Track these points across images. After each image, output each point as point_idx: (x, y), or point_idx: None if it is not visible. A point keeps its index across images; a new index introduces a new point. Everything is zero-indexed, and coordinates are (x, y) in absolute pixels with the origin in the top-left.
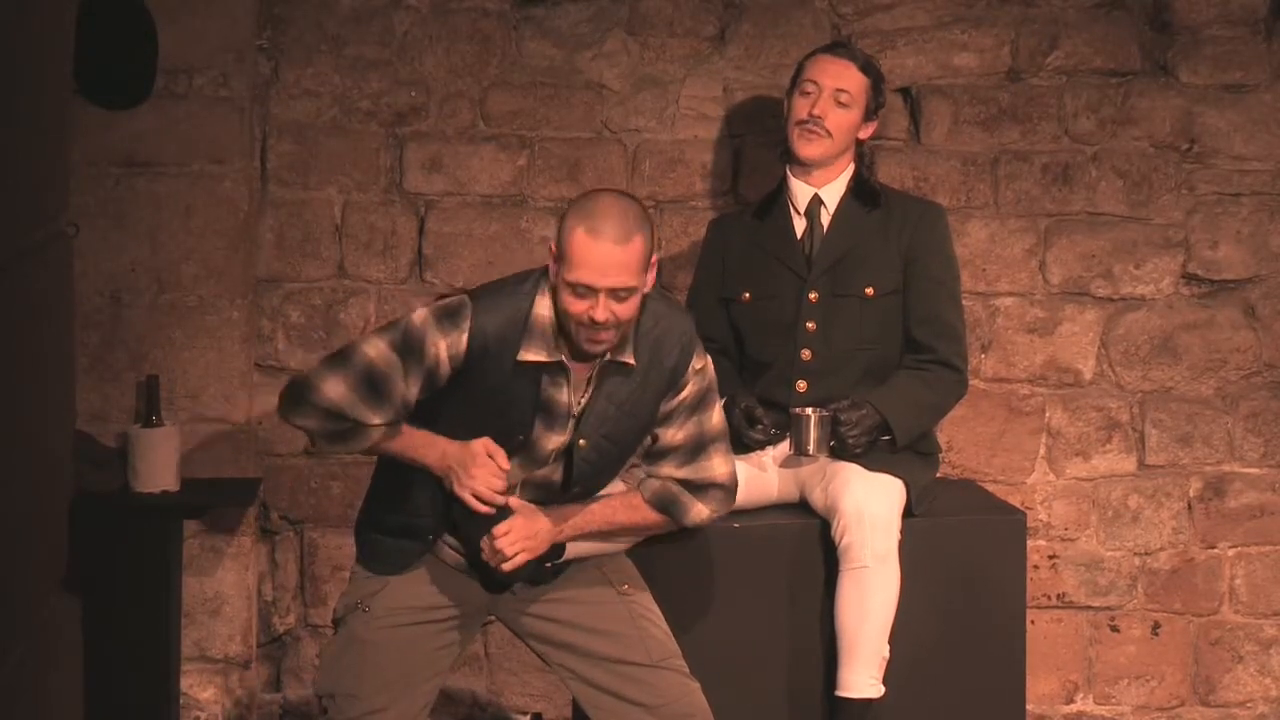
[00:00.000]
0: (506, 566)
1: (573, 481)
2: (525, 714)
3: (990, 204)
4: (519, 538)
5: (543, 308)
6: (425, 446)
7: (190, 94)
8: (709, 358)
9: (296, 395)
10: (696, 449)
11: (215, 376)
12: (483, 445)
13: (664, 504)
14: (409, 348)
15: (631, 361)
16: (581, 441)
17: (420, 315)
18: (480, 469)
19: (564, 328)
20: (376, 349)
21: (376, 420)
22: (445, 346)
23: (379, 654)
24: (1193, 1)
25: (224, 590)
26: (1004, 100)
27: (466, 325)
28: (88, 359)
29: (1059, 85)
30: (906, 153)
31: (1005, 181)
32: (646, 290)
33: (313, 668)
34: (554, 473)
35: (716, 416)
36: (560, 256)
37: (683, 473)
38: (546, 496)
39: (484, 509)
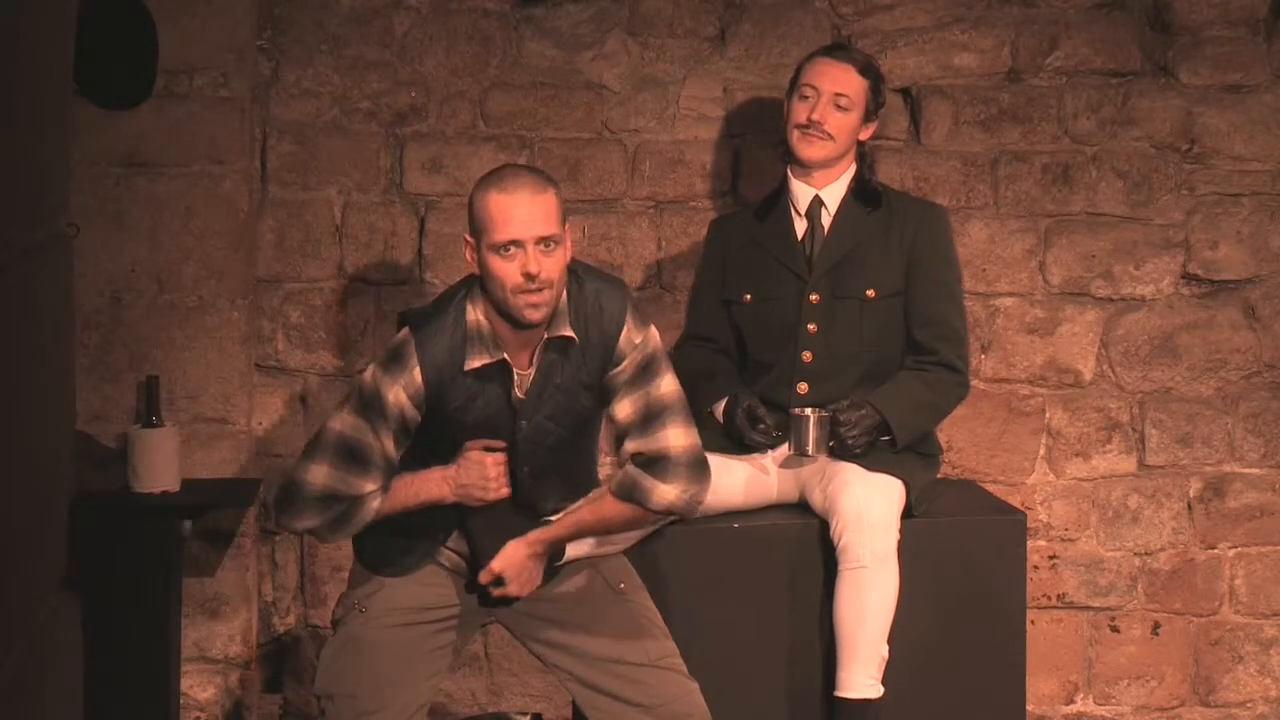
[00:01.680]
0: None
1: (520, 462)
2: (525, 714)
3: (990, 204)
4: (513, 579)
5: (475, 314)
6: (421, 485)
7: (190, 94)
8: (651, 329)
9: (286, 498)
10: (648, 419)
11: (215, 377)
12: (476, 453)
13: (626, 491)
14: (369, 407)
15: (571, 334)
16: (523, 422)
17: (369, 373)
18: (491, 474)
19: (500, 309)
20: (341, 421)
21: (370, 487)
22: (402, 390)
23: (377, 654)
24: (1193, 2)
25: (224, 590)
26: (1004, 100)
27: (414, 360)
28: (88, 359)
29: (1059, 85)
30: (906, 153)
31: (1005, 182)
32: (568, 254)
33: (313, 668)
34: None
35: (666, 387)
36: (479, 230)
37: (636, 445)
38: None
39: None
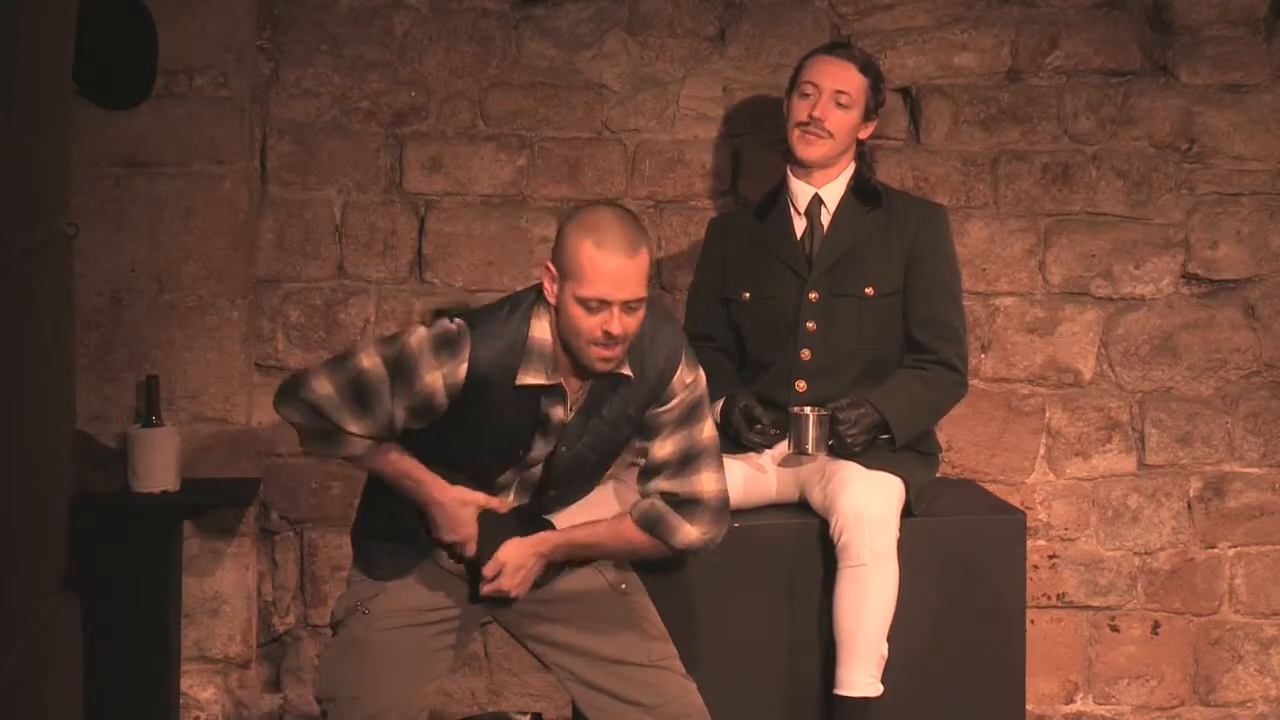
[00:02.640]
0: (505, 593)
1: (551, 484)
2: (525, 714)
3: (990, 204)
4: (511, 574)
5: (539, 330)
6: (414, 484)
7: (190, 94)
8: (700, 371)
9: (289, 388)
10: (685, 461)
11: (215, 376)
12: (469, 517)
13: (650, 523)
14: (401, 370)
15: (629, 374)
16: (563, 449)
17: (418, 339)
18: (461, 536)
19: (568, 347)
20: (371, 360)
21: (354, 429)
22: (441, 377)
23: (379, 656)
24: (1193, 1)
25: (224, 590)
26: (1004, 100)
27: (465, 355)
28: (88, 359)
29: (1059, 85)
30: (906, 153)
31: (1005, 181)
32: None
33: (313, 668)
34: (531, 476)
35: (707, 431)
36: (566, 274)
37: (669, 485)
38: (522, 498)
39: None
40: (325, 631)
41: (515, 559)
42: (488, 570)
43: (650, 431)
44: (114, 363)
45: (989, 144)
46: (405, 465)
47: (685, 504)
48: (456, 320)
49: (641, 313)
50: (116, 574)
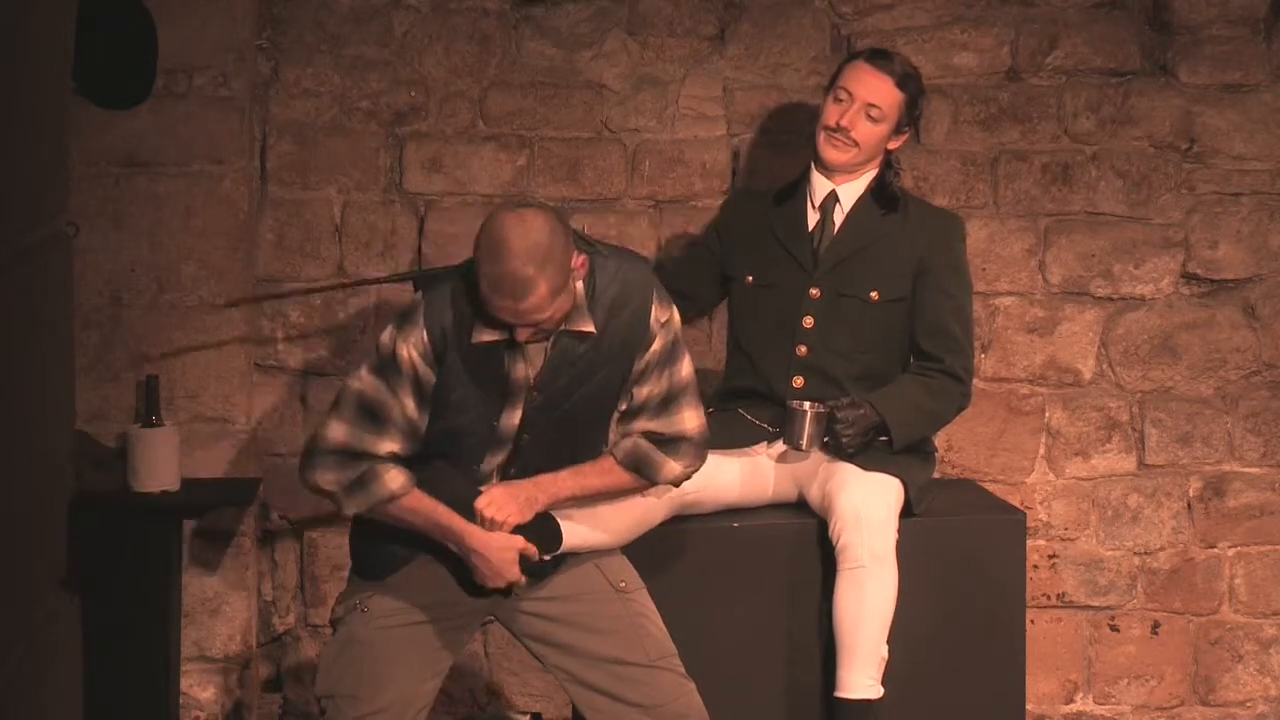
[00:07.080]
0: (496, 525)
1: (524, 431)
2: (525, 714)
3: (990, 204)
4: (501, 503)
5: None
6: (446, 530)
7: (190, 94)
8: (674, 308)
9: (307, 453)
10: (667, 401)
11: (215, 376)
12: (512, 560)
13: (636, 463)
14: (385, 365)
15: (590, 330)
16: (535, 393)
17: (387, 332)
18: (498, 572)
19: None
20: (360, 380)
21: (387, 447)
22: (413, 346)
23: (378, 654)
24: (1193, 1)
25: (224, 590)
26: (1004, 100)
27: (421, 318)
28: (88, 359)
29: (1059, 85)
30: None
31: (1005, 181)
32: (574, 288)
33: (313, 668)
34: (510, 461)
35: (685, 369)
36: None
37: (653, 425)
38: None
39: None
40: (325, 631)
41: (505, 490)
42: (480, 501)
43: (638, 377)
44: (114, 363)
45: (989, 144)
46: (427, 508)
47: (669, 442)
48: (416, 294)
49: (557, 313)
50: (116, 574)
